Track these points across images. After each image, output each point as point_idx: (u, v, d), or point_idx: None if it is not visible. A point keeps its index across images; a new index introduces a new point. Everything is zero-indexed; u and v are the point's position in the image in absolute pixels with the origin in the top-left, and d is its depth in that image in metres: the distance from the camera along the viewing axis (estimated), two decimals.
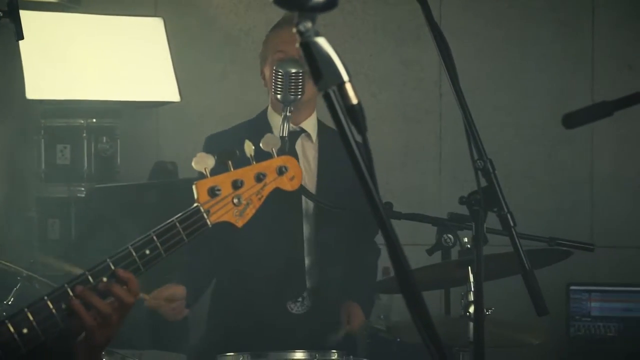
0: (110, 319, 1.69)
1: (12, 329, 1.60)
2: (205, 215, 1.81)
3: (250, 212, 1.88)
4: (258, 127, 3.13)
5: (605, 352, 4.22)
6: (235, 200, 1.86)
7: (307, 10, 1.32)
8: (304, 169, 3.09)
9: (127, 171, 4.41)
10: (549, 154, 4.53)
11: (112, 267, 1.72)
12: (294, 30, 1.32)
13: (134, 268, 1.75)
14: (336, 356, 2.45)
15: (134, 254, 1.75)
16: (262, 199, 1.91)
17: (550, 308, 4.47)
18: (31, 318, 1.61)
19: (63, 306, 1.64)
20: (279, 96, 2.86)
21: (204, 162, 1.85)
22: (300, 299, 3.02)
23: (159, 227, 1.77)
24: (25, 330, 1.60)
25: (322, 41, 1.33)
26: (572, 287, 4.30)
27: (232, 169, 1.86)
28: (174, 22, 4.50)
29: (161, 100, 4.44)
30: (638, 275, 4.36)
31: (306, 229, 3.05)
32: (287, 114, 2.86)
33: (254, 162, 1.90)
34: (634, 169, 4.51)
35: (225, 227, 1.88)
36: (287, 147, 2.86)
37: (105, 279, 1.70)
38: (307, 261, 3.03)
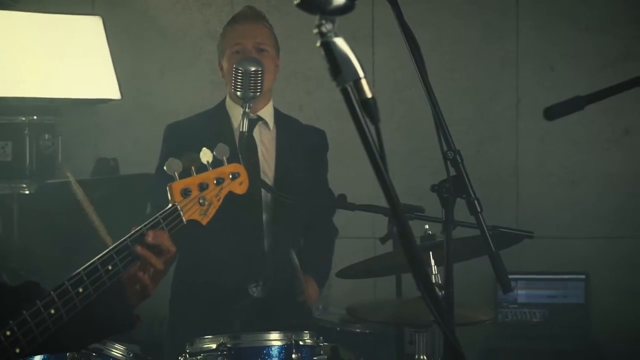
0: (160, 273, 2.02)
1: (70, 288, 1.86)
2: (181, 213, 2.07)
3: (212, 211, 2.14)
4: (217, 117, 3.26)
5: (531, 337, 4.47)
6: (201, 201, 2.11)
7: (328, 13, 1.46)
8: (262, 155, 3.23)
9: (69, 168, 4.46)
10: (477, 149, 4.75)
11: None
12: (316, 31, 1.47)
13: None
14: (309, 336, 2.59)
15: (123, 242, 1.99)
16: (220, 200, 2.18)
17: (479, 296, 4.71)
18: (85, 279, 1.88)
19: (109, 267, 1.91)
20: (238, 93, 2.98)
21: (174, 166, 2.08)
22: (260, 283, 3.15)
23: (147, 222, 2.01)
24: (81, 290, 1.86)
25: (340, 41, 1.48)
26: None
27: (194, 174, 2.12)
28: (112, 21, 4.57)
29: (102, 98, 4.50)
30: (560, 264, 4.62)
31: (265, 216, 3.19)
32: (247, 110, 2.98)
33: (211, 168, 2.15)
34: (555, 164, 4.77)
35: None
36: (248, 140, 3.01)
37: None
38: (266, 246, 3.17)
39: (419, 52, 2.17)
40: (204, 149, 2.15)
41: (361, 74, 1.47)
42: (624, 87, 2.03)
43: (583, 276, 4.52)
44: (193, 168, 2.12)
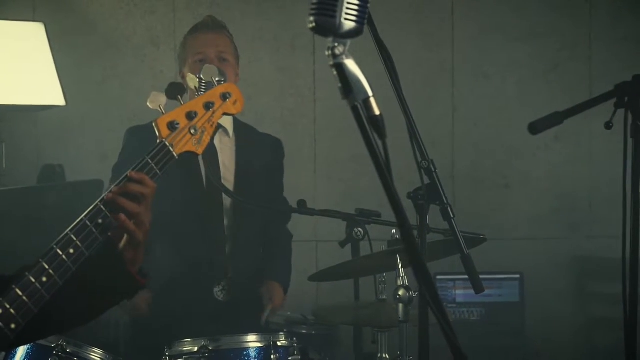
0: (140, 215, 1.88)
1: (60, 252, 1.76)
2: (170, 148, 1.94)
3: (206, 139, 2.02)
4: None
5: (470, 335, 4.64)
6: (192, 131, 1.98)
7: (340, 37, 1.57)
8: (223, 162, 3.33)
9: (12, 175, 4.45)
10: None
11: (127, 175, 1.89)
12: (328, 53, 1.58)
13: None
14: (284, 338, 2.69)
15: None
16: (214, 125, 2.04)
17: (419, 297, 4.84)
18: (75, 239, 1.78)
19: (99, 221, 1.81)
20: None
21: (157, 100, 1.97)
22: (224, 287, 3.24)
23: (134, 165, 1.91)
24: (72, 251, 1.76)
25: (351, 63, 1.59)
26: (439, 277, 4.70)
27: (182, 103, 1.99)
28: (54, 27, 4.57)
29: (46, 104, 4.50)
30: (496, 265, 4.81)
31: (226, 221, 3.28)
32: None
33: (199, 94, 2.04)
34: (488, 168, 4.96)
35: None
36: (209, 147, 3.09)
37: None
38: (227, 250, 3.26)
39: (393, 68, 2.28)
40: (189, 74, 2.08)
41: (370, 93, 1.58)
42: (597, 101, 2.17)
43: (518, 276, 4.71)
44: (180, 98, 2.00)
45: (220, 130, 3.35)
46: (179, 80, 3.50)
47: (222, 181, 3.30)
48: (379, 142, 1.61)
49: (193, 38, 3.35)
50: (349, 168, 4.86)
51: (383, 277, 2.97)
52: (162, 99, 1.97)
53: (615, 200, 4.80)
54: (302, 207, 3.22)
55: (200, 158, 3.30)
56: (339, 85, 1.58)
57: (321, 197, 4.81)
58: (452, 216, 2.25)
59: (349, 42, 1.58)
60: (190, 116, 1.99)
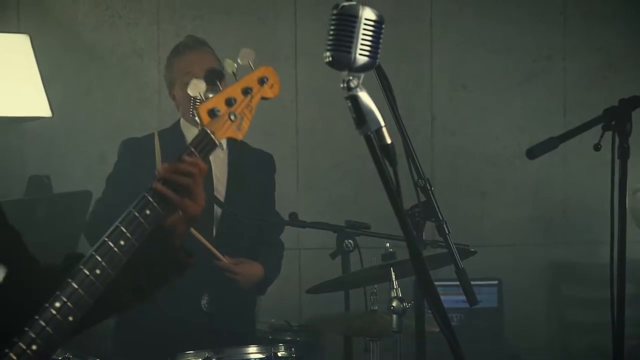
0: (192, 188, 1.93)
1: (111, 244, 1.82)
2: (212, 135, 1.96)
3: (245, 124, 2.03)
4: (172, 136, 3.42)
5: None
6: (232, 117, 1.99)
7: (354, 71, 1.67)
8: (215, 175, 3.41)
9: None
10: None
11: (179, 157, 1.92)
12: (343, 85, 1.67)
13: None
14: (283, 349, 2.78)
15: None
16: (252, 111, 2.03)
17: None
18: (124, 230, 1.84)
19: (147, 212, 1.86)
20: (197, 118, 3.13)
21: (198, 87, 1.98)
22: (208, 299, 3.32)
23: (180, 154, 1.93)
24: (122, 242, 1.83)
25: (364, 95, 1.69)
26: None
27: (221, 89, 1.99)
28: (39, 38, 4.61)
29: (32, 116, 4.55)
30: (474, 271, 4.90)
31: (215, 231, 3.37)
32: None
33: (237, 79, 2.00)
34: (466, 177, 5.08)
35: None
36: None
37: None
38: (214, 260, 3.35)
39: (389, 86, 2.38)
40: (227, 59, 2.01)
41: (382, 123, 1.68)
42: (587, 126, 2.29)
43: (496, 282, 4.84)
44: (219, 83, 2.01)
45: None
46: (170, 100, 3.58)
47: (215, 193, 3.38)
48: (390, 169, 1.71)
49: (178, 59, 3.45)
50: (331, 177, 4.96)
51: (374, 289, 3.07)
52: (202, 86, 1.98)
53: (587, 207, 4.99)
54: (294, 220, 3.32)
55: None
56: (353, 115, 1.68)
57: (304, 206, 4.90)
58: (447, 232, 2.35)
59: (362, 75, 1.67)
60: (230, 102, 1.99)
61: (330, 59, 1.65)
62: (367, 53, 1.65)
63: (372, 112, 1.67)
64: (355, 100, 1.66)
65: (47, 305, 1.76)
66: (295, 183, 5.00)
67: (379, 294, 3.14)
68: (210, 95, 1.98)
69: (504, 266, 4.92)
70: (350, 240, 3.22)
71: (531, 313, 4.96)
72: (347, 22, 1.63)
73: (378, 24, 1.66)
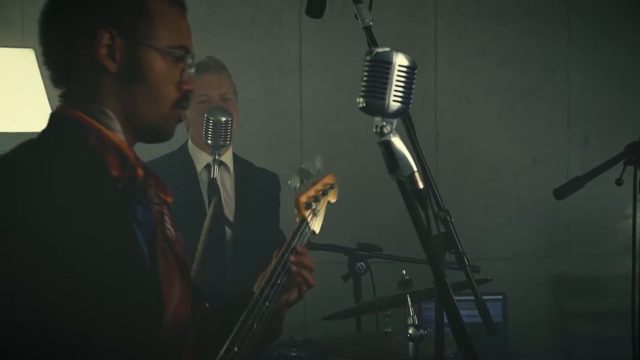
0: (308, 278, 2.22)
1: (261, 302, 2.07)
2: (308, 225, 2.30)
3: (319, 221, 2.37)
4: (180, 160, 3.41)
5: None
6: (315, 212, 2.35)
7: (387, 116, 1.67)
8: (224, 197, 3.41)
9: None
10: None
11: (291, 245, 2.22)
12: (376, 130, 1.67)
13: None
14: None
15: (283, 258, 2.20)
16: (321, 212, 2.38)
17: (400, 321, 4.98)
18: (268, 291, 2.11)
19: (278, 282, 2.13)
20: (209, 141, 3.13)
21: (295, 180, 2.34)
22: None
23: (288, 243, 2.22)
24: (267, 303, 2.07)
25: (397, 140, 1.69)
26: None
27: (308, 187, 2.34)
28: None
29: (37, 131, 4.52)
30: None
31: (227, 252, 3.37)
32: (217, 157, 3.14)
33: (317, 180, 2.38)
34: (470, 190, 5.09)
35: None
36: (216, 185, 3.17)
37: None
38: (228, 278, 3.35)
39: (409, 118, 2.38)
40: (309, 162, 2.40)
41: (415, 168, 1.68)
42: (610, 164, 2.30)
43: (500, 296, 4.84)
44: (304, 181, 2.35)
45: (222, 166, 3.43)
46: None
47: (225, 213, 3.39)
48: (422, 213, 1.71)
49: (195, 78, 3.41)
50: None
51: (388, 311, 3.07)
52: (296, 180, 2.34)
53: (592, 220, 5.00)
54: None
55: (203, 193, 3.38)
56: (386, 160, 1.68)
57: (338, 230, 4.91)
58: (467, 264, 2.35)
59: (395, 121, 1.67)
60: (316, 199, 2.35)
61: (364, 104, 1.65)
62: (400, 99, 1.65)
63: (404, 157, 1.67)
64: (388, 146, 1.66)
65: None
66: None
67: (392, 315, 3.14)
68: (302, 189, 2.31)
69: (509, 280, 4.92)
70: (361, 263, 3.23)
71: (536, 327, 4.96)
72: (381, 69, 1.63)
73: (411, 70, 1.66)
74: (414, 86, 1.68)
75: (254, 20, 4.94)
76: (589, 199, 4.97)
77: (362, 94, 1.65)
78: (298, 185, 2.29)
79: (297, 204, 2.28)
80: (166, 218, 1.97)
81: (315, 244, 3.38)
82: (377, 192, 4.79)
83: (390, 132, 1.66)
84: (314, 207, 2.30)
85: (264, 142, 4.98)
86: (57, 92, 1.94)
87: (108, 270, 1.68)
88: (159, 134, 1.95)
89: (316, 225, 2.32)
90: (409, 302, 2.70)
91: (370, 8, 2.48)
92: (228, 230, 3.41)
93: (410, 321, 2.68)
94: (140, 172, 1.88)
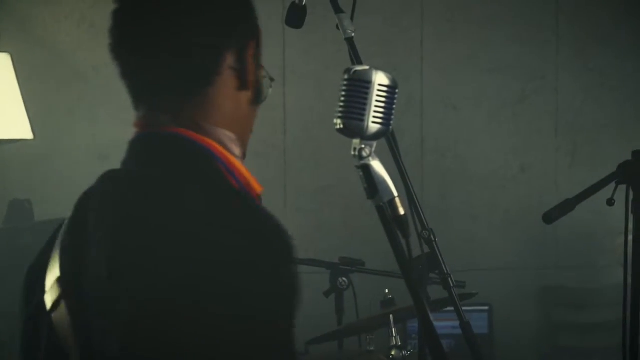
0: None
1: None
2: None
3: None
4: None
5: None
6: None
7: (366, 139, 1.57)
8: None
9: None
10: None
11: None
12: (354, 153, 1.58)
13: None
14: None
15: None
16: None
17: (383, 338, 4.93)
18: None
19: None
20: None
21: None
22: None
23: None
24: None
25: (377, 164, 1.59)
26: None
27: None
28: (20, 57, 4.49)
29: (13, 138, 4.42)
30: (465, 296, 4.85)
31: None
32: None
33: None
34: (456, 199, 5.00)
35: None
36: None
37: None
38: None
39: (393, 136, 2.30)
40: None
41: (395, 193, 1.59)
42: (602, 184, 2.21)
43: (487, 307, 4.76)
44: None
45: None
46: None
47: None
48: (403, 241, 1.61)
49: None
50: (318, 199, 4.86)
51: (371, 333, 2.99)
52: None
53: (580, 231, 4.92)
54: None
55: None
56: (365, 186, 1.59)
57: (290, 228, 4.80)
58: (452, 285, 2.26)
59: (374, 143, 1.58)
60: None
61: (342, 126, 1.56)
62: (380, 120, 1.56)
63: (384, 181, 1.58)
64: (367, 170, 1.57)
65: None
66: (283, 205, 4.90)
67: (375, 332, 3.06)
68: None
69: (495, 291, 4.84)
70: (344, 278, 3.13)
71: (522, 339, 4.88)
72: (360, 89, 1.54)
73: (392, 89, 1.56)
74: (394, 106, 1.59)
75: None
76: (577, 209, 4.90)
77: (339, 114, 1.56)
78: None
79: None
80: None
81: (296, 258, 3.30)
82: (361, 202, 4.67)
83: (369, 156, 1.57)
84: None
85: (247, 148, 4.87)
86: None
87: None
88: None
89: None
90: (392, 323, 2.60)
91: (352, 18, 2.39)
92: None
93: (393, 342, 2.59)
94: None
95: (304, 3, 2.44)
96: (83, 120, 4.77)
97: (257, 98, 1.64)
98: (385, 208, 1.59)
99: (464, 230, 4.98)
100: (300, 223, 4.87)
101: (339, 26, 2.37)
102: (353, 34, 2.36)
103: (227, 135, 1.59)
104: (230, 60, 1.56)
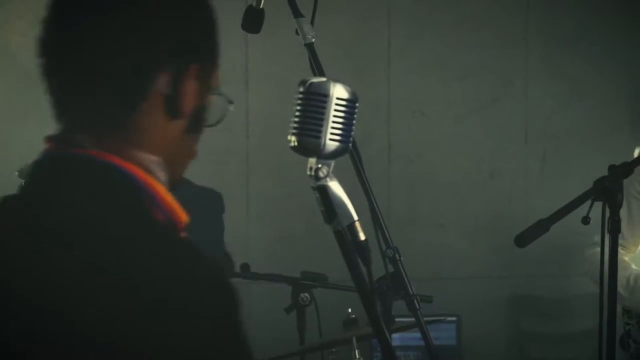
0: None
1: None
2: None
3: None
4: None
5: None
6: None
7: (323, 158, 1.43)
8: None
9: None
10: (349, 193, 4.80)
11: None
12: (310, 173, 1.44)
13: None
14: None
15: None
16: None
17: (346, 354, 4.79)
18: None
19: None
20: None
21: None
22: None
23: None
24: None
25: (335, 185, 1.45)
26: None
27: None
28: None
29: None
30: (431, 306, 4.73)
31: None
32: None
33: None
34: (424, 207, 4.89)
35: None
36: None
37: None
38: None
39: (356, 150, 2.17)
40: None
41: (355, 217, 1.45)
42: (578, 202, 2.08)
43: (454, 318, 4.64)
44: None
45: None
46: None
47: None
48: (364, 269, 1.48)
49: None
50: (282, 207, 4.72)
51: (332, 349, 2.86)
52: None
53: (549, 240, 4.81)
54: (246, 272, 3.08)
55: None
56: (322, 209, 1.45)
57: (254, 237, 4.67)
58: (418, 307, 2.13)
59: (332, 162, 1.44)
60: None
61: (296, 144, 1.42)
62: (338, 138, 1.42)
63: (343, 204, 1.45)
64: (324, 192, 1.43)
65: None
66: (245, 213, 4.76)
67: (337, 353, 2.93)
68: None
69: (463, 301, 4.73)
70: (306, 294, 2.99)
71: (491, 350, 4.77)
72: (316, 103, 1.40)
73: (351, 103, 1.43)
74: (354, 122, 1.45)
75: None
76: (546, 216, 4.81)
77: (293, 131, 1.42)
78: None
79: None
80: None
81: (256, 273, 3.16)
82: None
83: (326, 176, 1.43)
84: None
85: (207, 154, 4.72)
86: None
87: None
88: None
89: None
90: (355, 344, 2.47)
91: (312, 22, 2.24)
92: None
93: (357, 356, 2.46)
94: None
95: (261, 6, 2.29)
96: (37, 125, 4.59)
97: (194, 127, 1.42)
98: (345, 233, 1.45)
99: (432, 238, 4.86)
100: (263, 232, 4.74)
101: (299, 31, 2.22)
102: (313, 40, 2.22)
103: (151, 159, 1.38)
104: (161, 85, 1.37)
